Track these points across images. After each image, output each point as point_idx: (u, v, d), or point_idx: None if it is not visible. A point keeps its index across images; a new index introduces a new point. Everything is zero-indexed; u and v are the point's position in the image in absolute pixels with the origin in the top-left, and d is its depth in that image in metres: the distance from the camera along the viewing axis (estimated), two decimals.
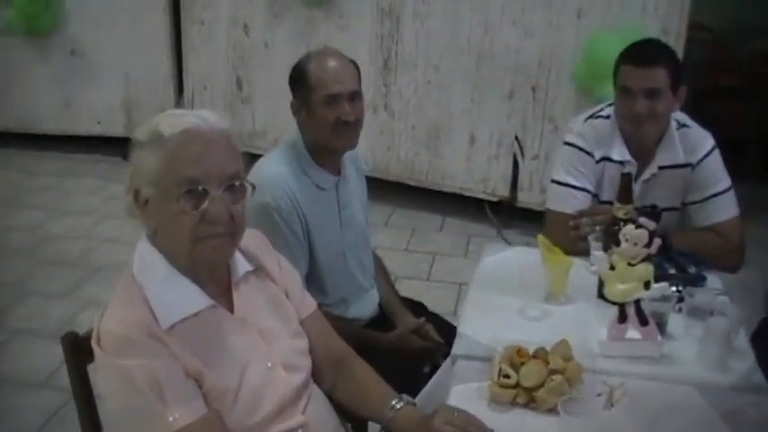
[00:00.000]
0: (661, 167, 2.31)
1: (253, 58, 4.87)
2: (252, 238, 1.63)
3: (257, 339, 1.53)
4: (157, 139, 1.41)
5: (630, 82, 2.19)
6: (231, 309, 1.53)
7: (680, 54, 3.87)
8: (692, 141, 2.31)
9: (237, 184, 1.45)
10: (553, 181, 2.42)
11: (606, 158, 2.35)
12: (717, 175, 2.31)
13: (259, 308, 1.58)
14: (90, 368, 1.53)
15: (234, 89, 4.98)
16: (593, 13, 4.03)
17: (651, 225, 1.71)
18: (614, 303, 1.99)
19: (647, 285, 1.75)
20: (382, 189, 4.57)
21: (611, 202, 2.37)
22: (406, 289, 3.00)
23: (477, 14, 4.26)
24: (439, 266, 4.31)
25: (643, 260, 1.74)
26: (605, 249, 2.01)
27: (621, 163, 2.34)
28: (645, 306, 1.79)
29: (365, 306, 2.33)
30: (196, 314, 1.45)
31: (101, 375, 1.41)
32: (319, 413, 1.61)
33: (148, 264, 1.46)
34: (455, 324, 2.45)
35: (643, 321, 1.78)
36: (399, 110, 4.64)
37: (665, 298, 1.83)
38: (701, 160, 2.30)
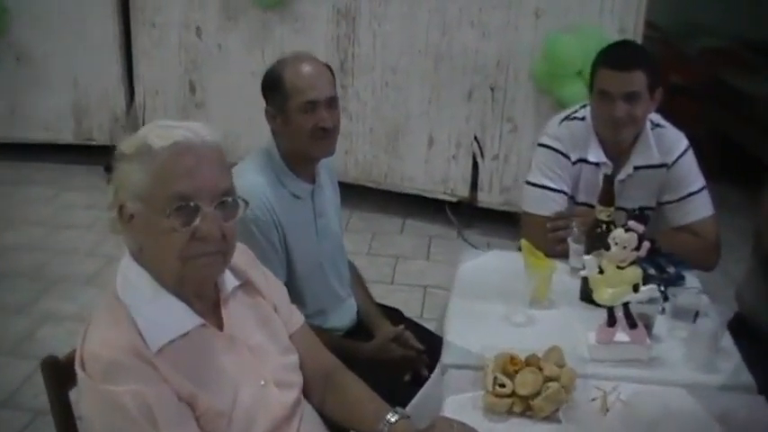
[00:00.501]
0: (636, 168, 2.32)
1: (206, 61, 4.77)
2: (238, 252, 1.57)
3: (248, 357, 1.48)
4: (146, 151, 1.34)
5: (609, 86, 2.19)
6: (220, 326, 1.47)
7: None
8: (667, 142, 2.33)
9: (230, 200, 1.39)
10: (529, 183, 2.41)
11: (582, 160, 2.35)
12: (692, 174, 2.33)
13: (248, 324, 1.53)
14: (72, 392, 1.46)
15: (187, 93, 4.87)
16: (550, 14, 4.04)
17: (640, 228, 1.71)
18: (599, 306, 2.00)
19: (635, 288, 1.75)
20: (341, 192, 4.51)
21: (587, 204, 2.39)
22: (372, 293, 2.95)
23: (434, 16, 4.24)
24: (402, 269, 4.28)
25: (631, 263, 1.74)
26: (588, 252, 2.02)
27: (597, 164, 2.34)
28: (631, 309, 1.79)
29: (343, 316, 2.29)
30: (185, 334, 1.39)
31: (87, 401, 1.34)
32: (312, 431, 1.57)
33: (133, 283, 1.40)
34: (431, 329, 2.45)
35: (632, 324, 1.78)
36: (357, 112, 4.60)
37: (651, 300, 1.83)
38: (677, 160, 2.32)
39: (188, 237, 1.34)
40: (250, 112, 4.55)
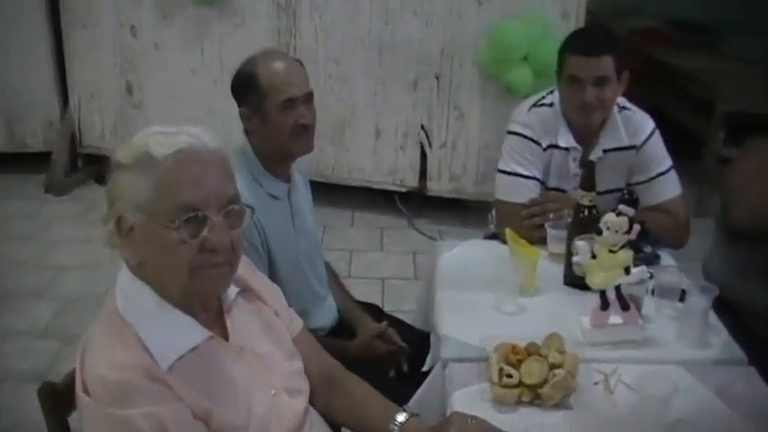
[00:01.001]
0: (606, 151, 2.36)
1: (143, 61, 4.63)
2: None
3: (257, 366, 1.44)
4: (147, 160, 1.28)
5: (579, 71, 2.21)
6: (225, 336, 1.43)
7: None
8: (635, 124, 2.37)
9: (236, 207, 1.34)
10: (501, 171, 2.42)
11: (553, 146, 2.37)
12: (660, 155, 2.37)
13: (253, 332, 1.49)
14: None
15: (124, 95, 4.72)
16: (493, 1, 4.07)
17: (631, 212, 1.73)
18: (583, 289, 2.03)
19: (626, 271, 1.78)
20: None
21: (558, 189, 2.41)
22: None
23: (376, 5, 4.21)
24: (357, 262, 4.26)
25: (622, 246, 1.77)
26: (571, 237, 2.04)
27: (567, 149, 2.37)
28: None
29: (326, 315, 2.26)
30: (194, 348, 1.34)
31: (94, 428, 1.27)
32: None
33: (136, 299, 1.34)
34: (409, 322, 2.45)
35: (624, 306, 1.81)
36: None
37: (639, 281, 1.86)
38: (645, 142, 2.36)
39: (197, 248, 1.29)
40: (192, 110, 4.50)
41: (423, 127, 4.49)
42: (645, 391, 1.54)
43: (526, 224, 2.29)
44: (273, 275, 2.06)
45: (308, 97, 2.03)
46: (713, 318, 1.89)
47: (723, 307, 2.12)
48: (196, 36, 4.47)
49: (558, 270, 2.13)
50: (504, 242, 2.30)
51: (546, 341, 1.71)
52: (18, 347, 3.21)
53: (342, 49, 4.31)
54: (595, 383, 1.66)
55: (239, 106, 2.04)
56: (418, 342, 2.24)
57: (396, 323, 2.35)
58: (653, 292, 1.96)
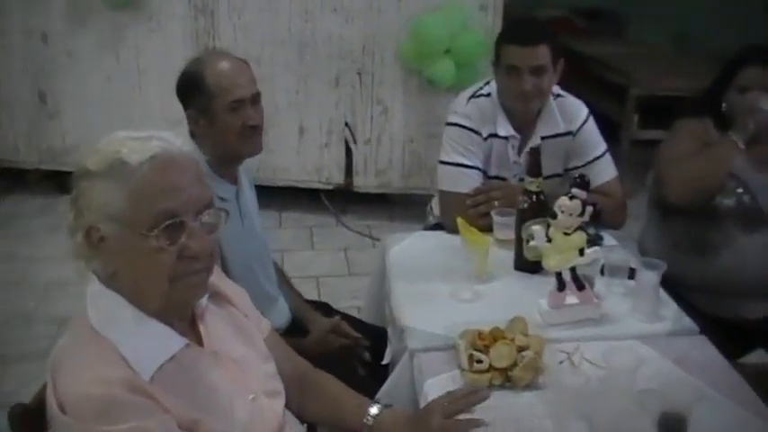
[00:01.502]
0: (543, 138, 2.42)
1: (55, 69, 4.46)
2: None
3: (234, 371, 1.42)
4: (121, 168, 1.24)
5: (517, 61, 2.26)
6: (200, 342, 1.40)
7: (497, 28, 4.09)
8: (570, 110, 2.44)
9: (212, 212, 1.32)
10: (443, 162, 2.44)
11: (493, 135, 2.41)
12: (595, 139, 2.45)
13: (227, 336, 1.47)
14: None
15: (37, 104, 4.55)
16: None
17: (583, 195, 1.78)
18: (534, 273, 2.09)
19: (581, 252, 1.83)
20: None
21: (498, 177, 2.46)
22: None
23: (295, 4, 4.19)
24: (289, 262, 4.22)
25: (576, 229, 1.82)
26: (520, 222, 2.09)
27: (506, 138, 2.42)
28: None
29: (279, 316, 2.25)
30: (173, 357, 1.32)
31: None
32: None
33: (111, 312, 1.29)
34: (360, 317, 2.45)
35: (579, 287, 1.86)
36: None
37: (592, 261, 1.92)
38: (581, 127, 2.43)
39: (176, 256, 1.26)
40: (109, 118, 4.37)
41: (347, 123, 4.50)
42: (611, 365, 1.59)
43: (472, 213, 2.32)
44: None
45: (256, 98, 2.01)
46: (662, 292, 1.97)
47: (661, 281, 2.21)
48: (110, 42, 4.35)
49: (507, 256, 2.17)
50: (451, 232, 2.35)
51: (510, 325, 1.75)
52: None
53: (262, 49, 4.27)
54: (560, 362, 1.71)
55: (185, 108, 2.01)
56: (372, 336, 2.26)
57: (346, 319, 2.36)
58: (602, 272, 2.02)
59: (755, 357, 2.46)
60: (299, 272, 4.14)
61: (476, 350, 1.66)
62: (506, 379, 1.64)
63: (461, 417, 1.52)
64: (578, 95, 2.51)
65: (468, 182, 2.39)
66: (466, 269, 2.09)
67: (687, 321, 1.89)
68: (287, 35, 4.27)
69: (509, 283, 2.08)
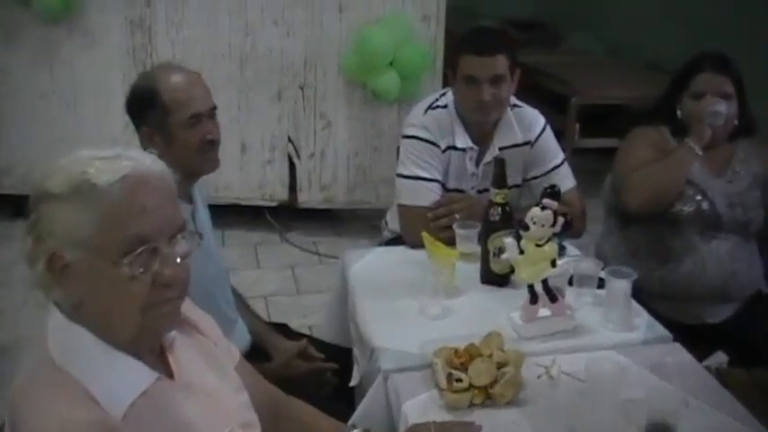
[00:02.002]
0: (501, 148, 2.40)
1: None
2: None
3: (208, 404, 1.33)
4: (89, 190, 1.14)
5: (475, 71, 2.24)
6: (171, 375, 1.31)
7: (439, 40, 4.08)
8: (527, 120, 2.42)
9: (186, 234, 1.24)
10: (401, 176, 2.40)
11: (451, 147, 2.38)
12: (553, 149, 2.44)
13: (198, 367, 1.38)
14: None
15: None
16: (354, 7, 4.06)
17: (554, 205, 1.75)
18: (501, 285, 2.06)
19: (553, 263, 1.81)
20: None
21: (457, 190, 2.43)
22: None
23: (235, 18, 4.10)
24: (235, 282, 4.01)
25: (548, 240, 1.79)
26: (486, 235, 2.05)
27: (464, 150, 2.39)
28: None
29: (240, 340, 2.15)
30: (144, 393, 1.22)
31: None
32: None
33: (76, 346, 1.19)
34: (317, 336, 2.38)
35: (552, 298, 1.83)
36: None
37: (563, 272, 1.90)
38: (539, 137, 2.42)
39: (149, 284, 1.17)
40: (46, 136, 4.19)
41: (290, 138, 4.42)
42: (593, 376, 1.57)
43: (433, 226, 2.28)
44: None
45: (213, 111, 1.94)
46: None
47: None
48: (44, 57, 4.15)
49: (471, 269, 2.14)
50: (413, 247, 2.31)
51: (485, 341, 1.71)
52: None
53: (201, 64, 4.11)
54: (539, 377, 1.68)
55: (138, 126, 1.91)
56: (336, 357, 2.19)
57: (309, 341, 2.29)
58: (570, 282, 2.00)
59: (715, 359, 2.48)
60: (246, 291, 3.95)
61: (453, 369, 1.62)
62: (487, 396, 1.60)
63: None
64: None
65: (428, 195, 2.35)
66: (432, 284, 2.04)
67: (660, 329, 1.88)
68: (227, 49, 4.17)
69: (477, 297, 2.04)
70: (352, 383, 1.98)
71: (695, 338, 2.24)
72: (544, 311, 1.84)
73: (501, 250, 2.02)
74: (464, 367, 1.62)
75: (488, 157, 2.40)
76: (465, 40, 2.32)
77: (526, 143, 2.42)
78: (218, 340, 1.50)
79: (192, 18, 4.09)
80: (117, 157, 1.19)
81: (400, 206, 2.42)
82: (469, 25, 5.93)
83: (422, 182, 2.35)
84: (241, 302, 2.33)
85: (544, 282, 1.82)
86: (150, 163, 1.22)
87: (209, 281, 2.06)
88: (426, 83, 4.17)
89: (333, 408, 1.83)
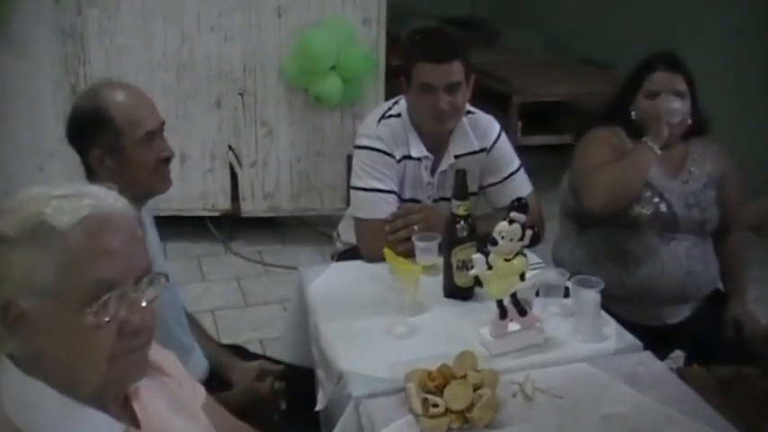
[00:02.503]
0: (457, 156, 2.35)
1: None
2: None
3: None
4: (47, 233, 1.05)
5: (431, 79, 2.18)
6: (136, 424, 1.23)
7: (381, 42, 4.03)
8: (482, 127, 2.38)
9: (152, 277, 1.15)
10: (356, 188, 2.33)
11: (406, 157, 2.32)
12: (509, 155, 2.41)
13: (165, 413, 1.29)
14: None
15: None
16: (293, 11, 3.97)
17: (522, 218, 1.71)
18: (465, 299, 2.02)
19: (521, 277, 1.77)
20: None
21: (413, 200, 2.38)
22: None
23: (171, 24, 3.97)
24: (181, 296, 4.00)
25: (516, 254, 1.75)
26: (449, 248, 2.01)
27: (419, 159, 2.33)
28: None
29: (197, 367, 2.06)
30: None
31: None
32: None
33: (33, 402, 1.10)
34: (276, 357, 2.30)
35: (521, 312, 1.80)
36: None
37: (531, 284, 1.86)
38: (494, 143, 2.38)
39: (115, 332, 1.08)
40: None
41: (230, 147, 4.31)
42: (570, 392, 1.54)
43: (391, 239, 2.22)
44: None
45: (163, 127, 1.86)
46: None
47: None
48: None
49: (432, 282, 2.09)
50: (370, 261, 2.26)
51: (458, 361, 1.66)
52: None
53: (137, 73, 4.00)
54: (513, 395, 1.64)
55: (86, 151, 1.80)
56: (296, 378, 2.12)
57: (268, 361, 2.21)
58: (537, 293, 1.97)
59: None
60: (192, 306, 3.85)
61: (428, 393, 1.56)
62: (465, 421, 1.54)
63: None
64: None
65: (385, 207, 2.29)
66: (395, 301, 1.98)
67: (629, 338, 1.86)
68: (163, 57, 4.03)
69: (442, 312, 1.99)
70: (317, 407, 1.91)
71: (656, 339, 2.25)
72: (513, 325, 1.80)
73: (465, 263, 1.98)
74: (439, 390, 1.58)
75: (444, 166, 2.36)
76: (419, 46, 2.26)
77: (482, 150, 2.38)
78: (183, 379, 1.41)
79: (125, 26, 3.95)
80: (77, 195, 1.10)
81: (357, 219, 2.35)
82: (406, 25, 5.96)
83: (378, 194, 2.29)
84: (195, 325, 2.24)
85: (513, 296, 1.78)
86: (113, 201, 1.13)
87: (162, 305, 1.95)
88: (369, 86, 4.11)
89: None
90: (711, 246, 2.39)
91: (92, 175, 1.81)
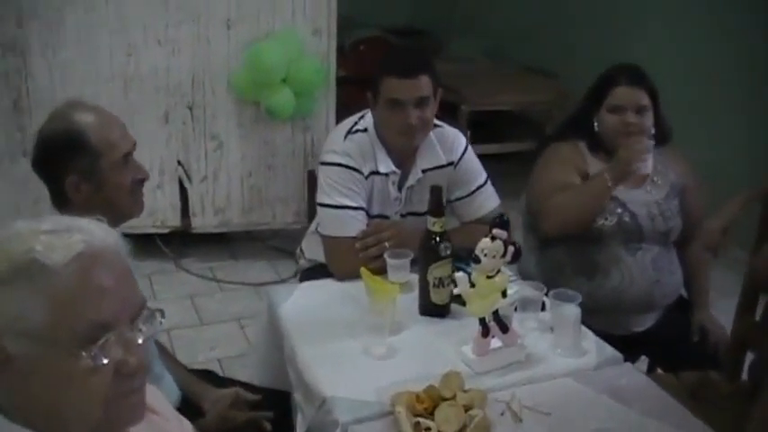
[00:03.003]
0: (424, 171, 2.34)
1: None
2: None
3: None
4: (38, 271, 0.99)
5: (400, 94, 2.16)
6: None
7: (332, 54, 4.00)
8: (449, 140, 2.38)
9: (147, 313, 1.10)
10: (324, 205, 2.29)
11: (374, 173, 2.30)
12: (477, 168, 2.40)
13: None
14: None
15: None
16: (242, 22, 3.90)
17: (504, 234, 1.71)
18: (442, 317, 2.01)
19: (503, 294, 1.76)
20: None
21: (381, 216, 2.35)
22: None
23: (116, 37, 3.85)
24: None
25: (498, 271, 1.74)
26: (425, 265, 1.99)
27: (387, 174, 2.31)
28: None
29: (168, 395, 1.97)
30: None
31: None
32: None
33: None
34: (248, 381, 2.24)
35: (503, 329, 1.79)
36: None
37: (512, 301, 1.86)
38: (462, 157, 2.38)
39: (111, 375, 1.03)
40: None
41: (179, 162, 4.21)
42: (557, 408, 1.54)
43: (362, 257, 2.19)
44: None
45: (134, 148, 1.79)
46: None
47: None
48: None
49: (406, 300, 2.06)
50: (340, 279, 2.23)
51: (444, 381, 1.64)
52: None
53: (82, 88, 3.87)
54: (501, 414, 1.63)
55: (59, 178, 1.71)
56: (270, 402, 2.07)
57: (241, 386, 2.15)
58: (515, 308, 1.96)
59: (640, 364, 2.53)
60: None
61: (418, 416, 1.54)
62: None
63: None
64: None
65: (354, 224, 2.26)
66: (371, 321, 1.93)
67: (609, 350, 1.87)
68: (108, 71, 3.91)
69: (420, 331, 1.97)
70: None
71: (623, 348, 2.27)
72: (495, 342, 1.80)
73: (441, 281, 1.97)
74: (428, 413, 1.56)
75: (411, 181, 2.34)
76: (387, 60, 2.25)
77: (449, 164, 2.37)
78: (170, 415, 1.36)
79: (69, 39, 3.82)
80: (66, 230, 1.03)
81: (325, 237, 2.31)
82: (349, 34, 5.93)
83: (347, 210, 2.26)
84: (163, 351, 2.16)
85: (495, 313, 1.77)
86: (104, 235, 1.07)
87: None
88: (320, 98, 4.07)
89: None
90: (676, 254, 2.42)
91: (63, 202, 1.73)
